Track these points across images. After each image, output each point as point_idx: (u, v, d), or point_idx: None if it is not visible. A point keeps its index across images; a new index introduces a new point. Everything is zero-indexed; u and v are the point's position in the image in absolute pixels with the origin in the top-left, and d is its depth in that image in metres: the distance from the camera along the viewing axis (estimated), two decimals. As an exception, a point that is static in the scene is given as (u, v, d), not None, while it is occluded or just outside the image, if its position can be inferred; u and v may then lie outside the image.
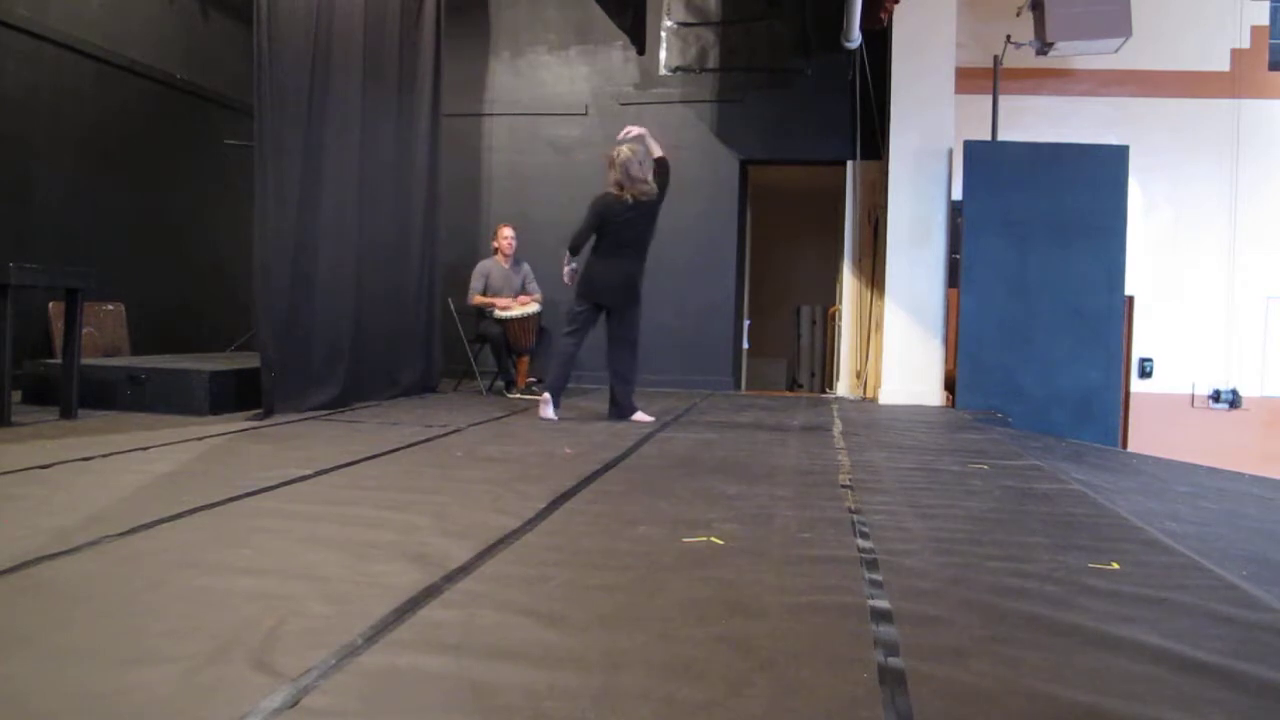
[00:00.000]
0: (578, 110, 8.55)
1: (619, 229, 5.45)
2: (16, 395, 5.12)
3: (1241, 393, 8.24)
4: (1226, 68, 8.26)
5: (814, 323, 12.67)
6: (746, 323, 9.45)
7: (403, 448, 4.27)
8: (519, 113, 8.63)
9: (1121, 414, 7.73)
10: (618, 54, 8.51)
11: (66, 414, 4.93)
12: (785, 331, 12.98)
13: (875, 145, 7.92)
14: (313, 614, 1.93)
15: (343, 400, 5.77)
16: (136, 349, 6.84)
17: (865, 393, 8.04)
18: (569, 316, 5.68)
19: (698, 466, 4.00)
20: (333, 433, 4.77)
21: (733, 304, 8.48)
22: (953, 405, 7.13)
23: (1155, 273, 8.26)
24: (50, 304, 6.20)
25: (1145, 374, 8.36)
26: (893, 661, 1.74)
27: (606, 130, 8.52)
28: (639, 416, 5.58)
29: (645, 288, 5.65)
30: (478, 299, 7.05)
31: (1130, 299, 7.98)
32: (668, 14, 8.20)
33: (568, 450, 4.38)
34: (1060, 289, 6.90)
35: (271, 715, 1.45)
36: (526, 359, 7.08)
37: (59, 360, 5.35)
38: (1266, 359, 8.27)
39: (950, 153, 7.39)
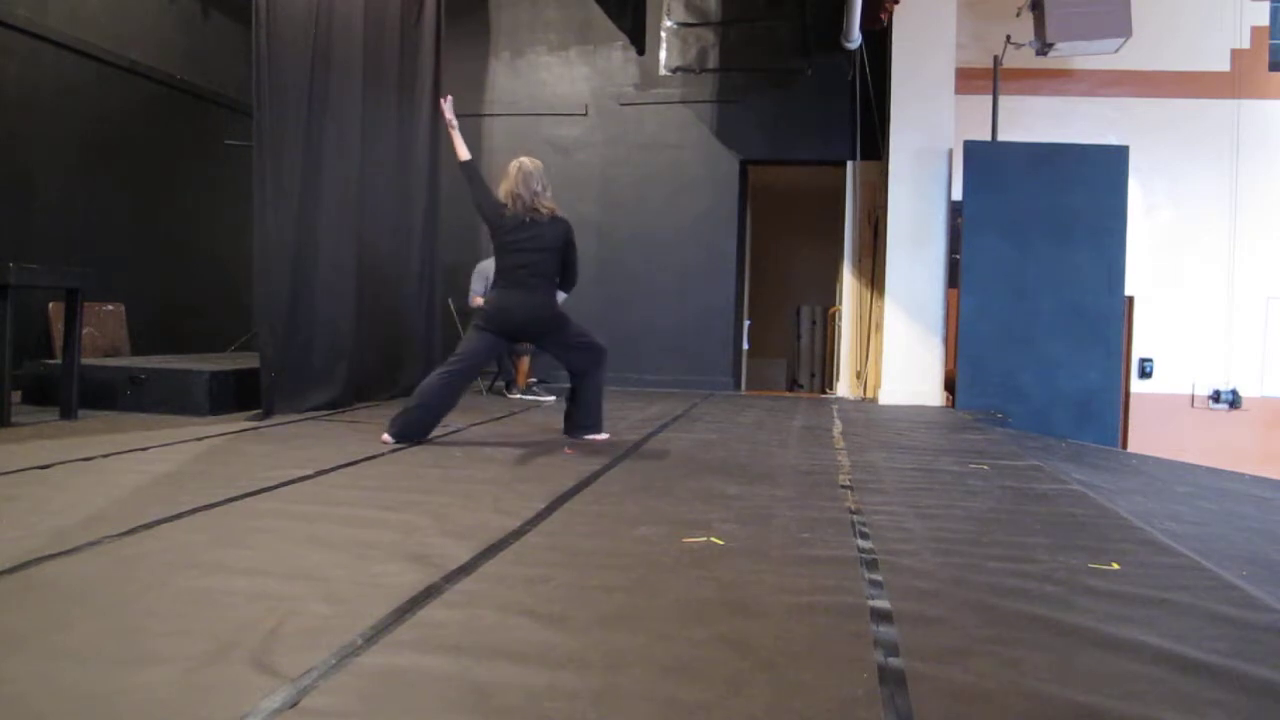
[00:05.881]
0: (578, 110, 8.55)
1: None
2: (16, 395, 5.12)
3: (1241, 393, 8.24)
4: (1226, 68, 8.25)
5: (814, 323, 12.68)
6: (746, 323, 9.45)
7: (403, 448, 4.27)
8: (519, 113, 8.62)
9: (1121, 414, 7.73)
10: (618, 54, 8.51)
11: (66, 414, 4.93)
12: (785, 332, 12.99)
13: (875, 145, 7.91)
14: (313, 614, 1.92)
15: (343, 400, 5.77)
16: (136, 349, 6.83)
17: (865, 393, 8.04)
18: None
19: (698, 466, 4.00)
20: (333, 433, 4.77)
21: (733, 304, 8.47)
22: (953, 405, 7.12)
23: (1155, 273, 8.26)
24: (50, 304, 6.19)
25: (1145, 374, 8.35)
26: (893, 661, 1.74)
27: (606, 130, 8.54)
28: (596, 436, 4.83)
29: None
30: (479, 300, 7.04)
31: (1130, 299, 7.98)
32: (668, 14, 8.20)
33: (568, 450, 4.38)
34: (1060, 289, 6.90)
35: (271, 715, 1.45)
36: (526, 359, 7.08)
37: (59, 360, 5.35)
38: (1266, 359, 8.26)
39: (950, 153, 7.39)
